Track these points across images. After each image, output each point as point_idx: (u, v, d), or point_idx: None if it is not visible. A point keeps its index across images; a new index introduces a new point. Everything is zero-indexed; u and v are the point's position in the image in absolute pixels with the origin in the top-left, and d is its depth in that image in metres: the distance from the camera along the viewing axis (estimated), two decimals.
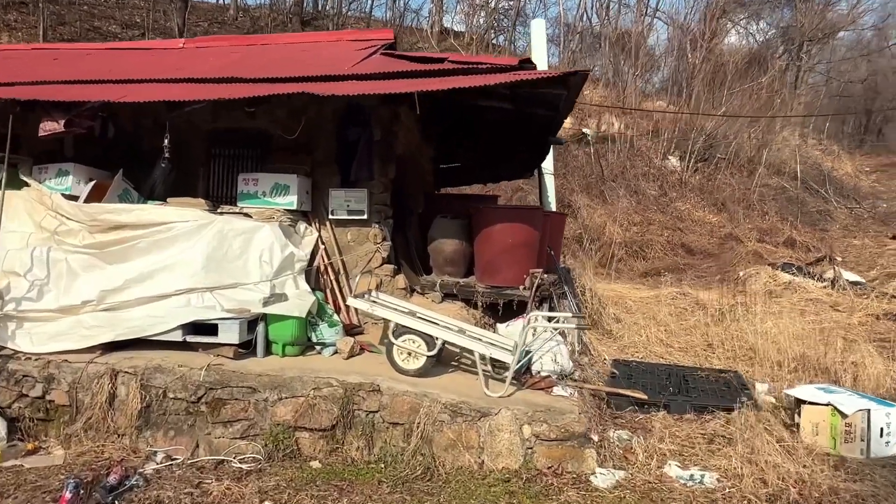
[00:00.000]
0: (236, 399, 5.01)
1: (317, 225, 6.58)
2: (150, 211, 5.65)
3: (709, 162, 19.84)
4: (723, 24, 25.69)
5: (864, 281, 11.79)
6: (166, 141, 5.65)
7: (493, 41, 24.21)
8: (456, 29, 25.43)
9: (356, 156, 6.49)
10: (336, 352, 5.65)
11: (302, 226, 6.39)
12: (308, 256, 6.19)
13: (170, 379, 5.05)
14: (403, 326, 5.32)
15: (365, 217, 6.46)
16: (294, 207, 6.21)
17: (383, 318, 5.61)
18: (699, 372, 6.78)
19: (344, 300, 6.37)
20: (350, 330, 6.18)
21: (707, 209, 17.18)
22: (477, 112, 7.06)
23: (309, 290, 5.93)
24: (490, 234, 6.52)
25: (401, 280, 6.69)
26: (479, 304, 6.65)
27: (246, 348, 5.41)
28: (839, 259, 12.89)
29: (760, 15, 26.03)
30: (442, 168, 10.15)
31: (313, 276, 6.34)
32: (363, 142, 6.49)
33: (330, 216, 6.51)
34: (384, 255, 6.60)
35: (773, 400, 6.21)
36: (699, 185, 18.39)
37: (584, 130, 18.89)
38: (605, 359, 7.29)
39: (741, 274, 12.04)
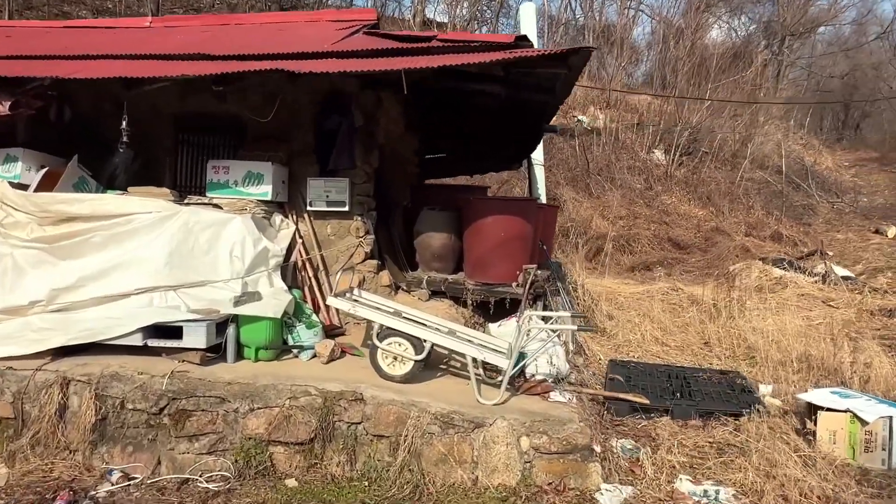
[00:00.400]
0: (203, 410, 4.47)
1: (294, 217, 6.04)
2: (108, 201, 5.07)
3: (693, 156, 19.54)
4: (706, 17, 25.40)
5: (854, 276, 11.52)
6: (124, 123, 5.06)
7: (477, 32, 23.67)
8: (438, 20, 24.86)
9: (336, 143, 5.95)
10: (315, 356, 5.13)
11: (277, 218, 5.84)
12: (284, 251, 5.65)
13: (128, 388, 4.49)
14: (389, 328, 4.81)
15: (346, 209, 5.93)
16: (269, 198, 5.67)
17: (366, 320, 5.09)
18: (701, 373, 6.37)
19: (323, 299, 5.84)
20: (330, 331, 5.66)
21: (693, 203, 16.87)
22: (465, 98, 6.55)
23: (285, 288, 5.40)
24: (481, 228, 6.03)
25: (385, 277, 6.18)
26: (469, 302, 6.17)
27: (215, 352, 4.86)
28: (830, 254, 12.63)
29: (742, 9, 25.81)
30: (426, 159, 9.63)
31: (290, 272, 5.80)
32: (344, 128, 5.95)
33: (308, 208, 5.97)
34: (367, 249, 6.08)
35: (779, 403, 5.82)
36: (684, 179, 18.09)
37: (580, 117, 18.37)
38: (600, 359, 6.85)
39: (732, 268, 11.71)
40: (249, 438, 4.39)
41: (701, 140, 20.41)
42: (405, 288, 6.34)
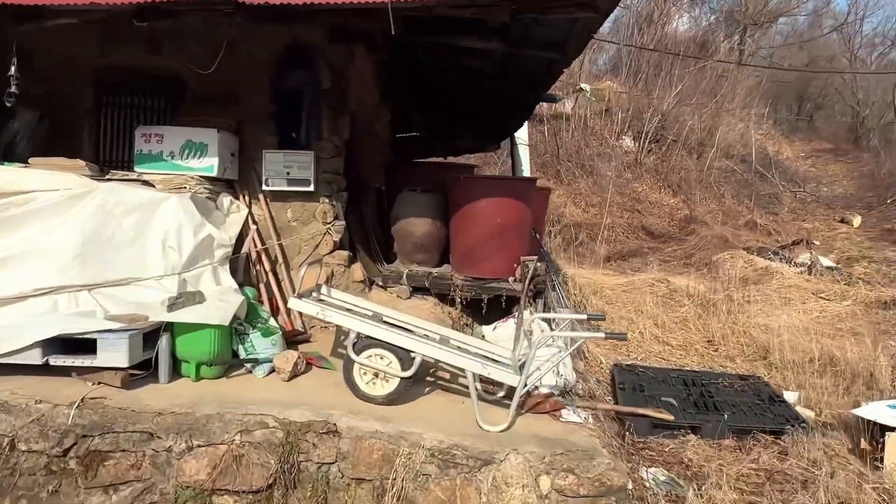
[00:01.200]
0: (124, 451, 3.32)
1: (246, 199, 4.88)
2: None
3: (661, 143, 18.88)
4: (668, 6, 24.77)
5: (837, 266, 10.93)
6: (13, 69, 3.79)
7: None
8: None
9: (299, 109, 4.81)
10: (273, 371, 4.02)
11: (226, 199, 4.67)
12: (234, 240, 4.50)
13: (21, 422, 3.30)
14: (368, 338, 3.74)
15: (311, 188, 4.80)
16: (214, 174, 4.50)
17: (340, 326, 4.00)
18: (719, 379, 5.51)
19: (284, 299, 4.72)
20: (292, 338, 4.54)
21: (664, 191, 16.19)
22: (452, 58, 5.47)
23: (235, 286, 4.25)
24: (473, 213, 4.99)
25: (357, 271, 5.09)
26: (458, 300, 5.12)
27: (144, 370, 3.70)
28: (817, 244, 12.07)
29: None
30: (396, 138, 8.52)
31: (241, 266, 4.66)
32: (308, 91, 4.82)
33: (264, 187, 4.82)
34: (336, 238, 4.97)
35: (813, 415, 4.99)
36: (654, 167, 17.41)
37: (582, 86, 17.20)
38: (601, 362, 5.93)
39: (715, 259, 10.99)
40: (187, 487, 3.27)
41: (668, 128, 19.77)
42: (381, 284, 5.26)
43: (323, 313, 3.82)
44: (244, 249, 4.62)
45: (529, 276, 4.97)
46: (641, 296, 8.59)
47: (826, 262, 10.77)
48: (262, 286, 4.68)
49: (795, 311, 8.21)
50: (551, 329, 4.54)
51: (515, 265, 5.10)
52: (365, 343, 3.74)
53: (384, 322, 4.06)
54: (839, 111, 28.77)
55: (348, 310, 4.11)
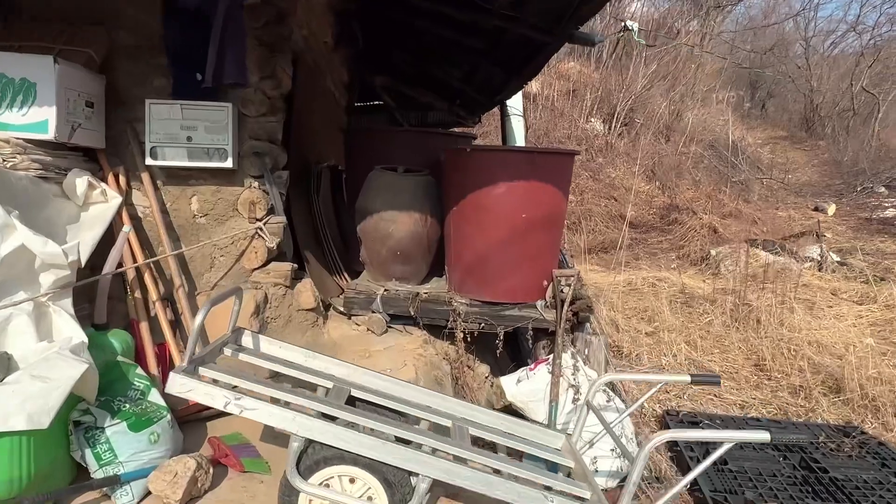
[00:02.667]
0: None
1: (120, 180, 2.88)
2: None
3: (630, 127, 17.45)
4: None
5: (842, 261, 9.62)
6: None
7: None
8: None
9: (211, 37, 2.83)
10: (149, 495, 2.11)
11: (79, 181, 2.65)
12: (88, 251, 2.51)
13: None
14: (328, 449, 1.88)
15: (229, 164, 2.85)
16: (50, 136, 2.49)
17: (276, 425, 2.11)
18: (811, 432, 3.88)
19: (183, 345, 2.78)
20: (194, 414, 2.62)
21: (638, 176, 14.69)
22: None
23: (83, 337, 2.28)
24: (486, 205, 3.16)
25: (305, 293, 3.18)
26: (461, 334, 3.30)
27: None
28: (827, 236, 10.76)
29: None
30: (354, 107, 6.56)
31: (103, 295, 2.68)
32: (222, 8, 2.83)
33: (150, 160, 2.83)
34: (272, 243, 3.03)
35: None
36: (625, 151, 15.92)
37: (628, 23, 14.90)
38: (643, 407, 4.23)
39: (713, 253, 9.51)
40: None
41: (637, 111, 18.38)
42: (342, 310, 3.39)
43: (237, 403, 1.92)
44: (109, 266, 2.64)
45: (568, 299, 3.19)
46: (648, 299, 6.99)
47: (834, 256, 9.44)
48: (142, 328, 2.72)
49: (825, 316, 6.76)
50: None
51: (546, 283, 3.31)
52: (320, 455, 1.89)
53: (353, 402, 2.20)
54: (792, 99, 28.15)
55: (289, 377, 2.23)
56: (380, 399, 2.28)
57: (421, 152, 3.69)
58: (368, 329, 3.33)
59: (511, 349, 3.65)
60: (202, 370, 2.04)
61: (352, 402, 2.25)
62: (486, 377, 3.71)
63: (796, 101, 27.75)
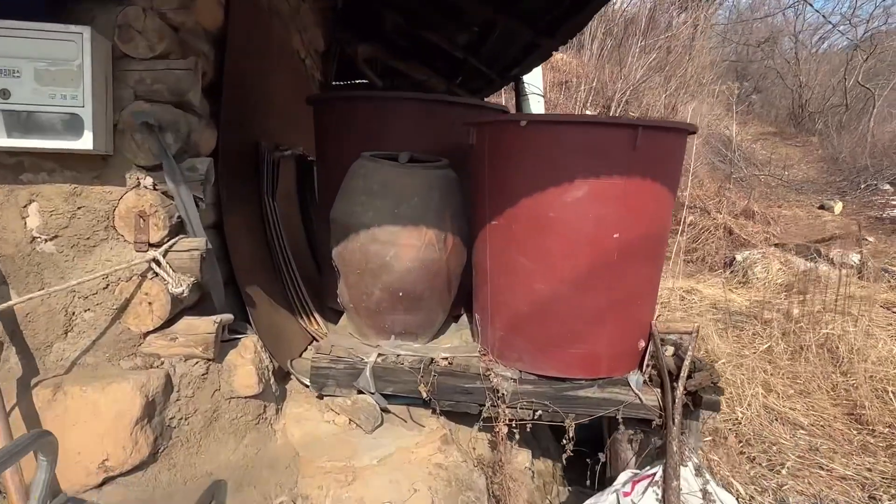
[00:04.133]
0: None
1: None
2: None
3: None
4: None
5: (885, 267, 8.46)
6: None
7: None
8: None
9: None
10: None
11: None
12: None
13: None
14: None
15: (85, 142, 1.47)
16: None
17: None
18: None
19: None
20: None
21: None
22: None
23: None
24: (550, 218, 1.81)
25: (243, 367, 1.80)
26: (504, 427, 1.95)
27: None
28: (870, 240, 9.61)
29: None
30: (332, 86, 5.17)
31: None
32: None
33: None
34: (179, 285, 1.65)
35: None
36: None
37: None
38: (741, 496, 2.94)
39: (739, 258, 8.31)
40: None
41: (631, 104, 17.23)
42: (307, 384, 2.03)
43: None
44: None
45: (684, 372, 1.87)
46: (680, 314, 5.74)
47: (873, 262, 8.29)
48: None
49: (889, 335, 5.57)
50: None
51: (641, 344, 1.98)
52: None
53: None
54: (780, 94, 27.32)
55: None
56: None
57: (430, 132, 2.33)
58: (351, 421, 1.97)
59: (581, 434, 2.31)
60: None
61: None
62: (527, 467, 2.38)
63: (784, 96, 26.94)
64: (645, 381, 1.97)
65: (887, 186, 16.38)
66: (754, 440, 3.69)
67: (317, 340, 2.59)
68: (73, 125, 1.48)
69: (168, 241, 1.68)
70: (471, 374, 2.00)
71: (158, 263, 1.65)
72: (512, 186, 1.87)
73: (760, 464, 3.43)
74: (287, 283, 2.57)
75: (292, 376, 2.22)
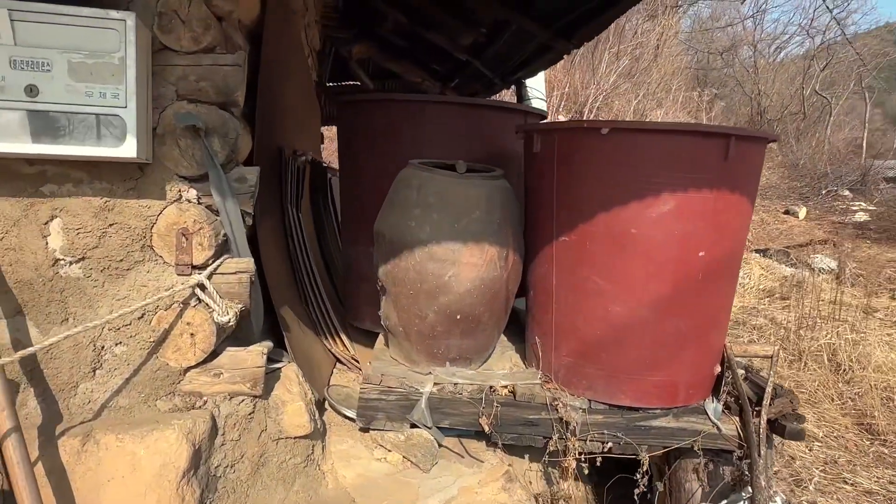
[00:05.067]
0: None
1: None
2: None
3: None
4: None
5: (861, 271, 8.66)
6: None
7: None
8: None
9: None
10: None
11: None
12: None
13: None
14: None
15: (129, 149, 1.25)
16: None
17: None
18: None
19: None
20: None
21: None
22: None
23: None
24: (631, 235, 1.66)
25: (292, 405, 1.60)
26: (572, 462, 1.79)
27: None
28: (848, 246, 9.80)
29: None
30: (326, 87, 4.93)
31: None
32: None
33: None
34: (225, 314, 1.44)
35: None
36: None
37: None
38: None
39: None
40: None
41: (601, 110, 17.46)
42: (350, 416, 1.83)
43: None
44: None
45: (767, 398, 1.75)
46: None
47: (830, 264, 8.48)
48: None
49: (880, 340, 5.66)
50: None
51: (718, 369, 1.86)
52: None
53: None
54: (739, 101, 28.10)
55: None
56: None
57: (472, 138, 2.16)
58: (405, 458, 1.78)
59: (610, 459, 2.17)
60: None
61: None
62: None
63: (743, 103, 27.72)
64: (724, 406, 1.84)
65: (847, 192, 16.93)
66: (775, 453, 3.62)
67: (341, 363, 2.38)
68: (113, 129, 1.25)
69: (213, 262, 1.46)
70: (536, 404, 1.83)
71: (203, 288, 1.43)
72: (587, 200, 1.71)
73: (785, 479, 3.36)
74: (311, 300, 2.36)
75: (328, 406, 2.01)
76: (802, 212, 15.29)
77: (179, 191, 1.43)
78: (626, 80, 18.26)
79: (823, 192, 17.06)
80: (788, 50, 28.29)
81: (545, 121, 2.64)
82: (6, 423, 1.18)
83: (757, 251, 8.87)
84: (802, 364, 4.95)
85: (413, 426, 1.82)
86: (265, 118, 1.93)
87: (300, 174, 2.35)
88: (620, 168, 1.66)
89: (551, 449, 1.82)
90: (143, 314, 1.42)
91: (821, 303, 6.56)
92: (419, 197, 1.83)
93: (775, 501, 1.69)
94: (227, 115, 1.47)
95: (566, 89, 16.18)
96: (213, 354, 1.50)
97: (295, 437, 1.62)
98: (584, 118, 15.75)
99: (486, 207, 1.82)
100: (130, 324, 1.42)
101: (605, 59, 17.19)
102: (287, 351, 1.86)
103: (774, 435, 1.84)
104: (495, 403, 1.82)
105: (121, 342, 1.42)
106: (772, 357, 1.87)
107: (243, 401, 1.52)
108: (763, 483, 1.69)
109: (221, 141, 1.45)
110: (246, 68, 1.53)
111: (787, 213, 15.52)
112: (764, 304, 7.17)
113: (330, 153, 6.82)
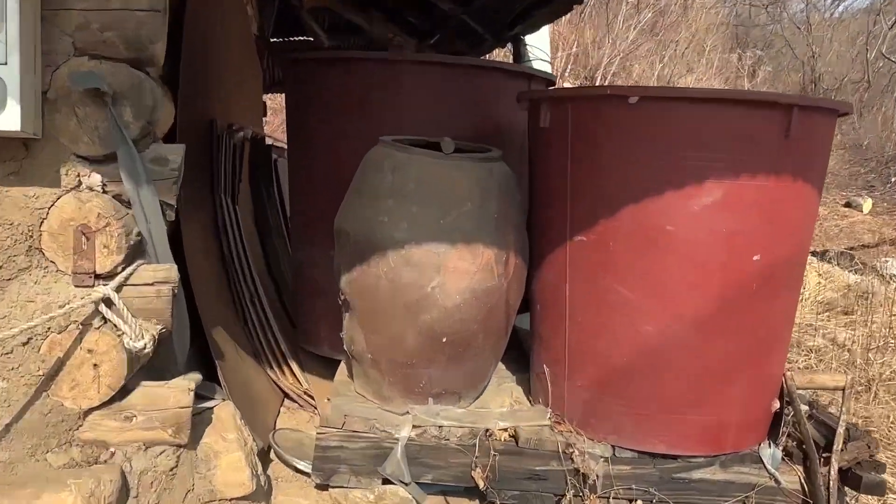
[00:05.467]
0: None
1: None
2: None
3: None
4: None
5: None
6: None
7: None
8: None
9: None
10: None
11: None
12: None
13: None
14: None
15: (12, 120, 1.19)
16: None
17: None
18: None
19: None
20: None
21: None
22: None
23: None
24: (666, 233, 1.65)
25: (225, 456, 1.56)
26: None
27: None
28: None
29: None
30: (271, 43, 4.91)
31: None
32: None
33: None
34: (138, 339, 1.39)
35: None
36: None
37: None
38: None
39: None
40: None
41: (617, 74, 17.70)
42: (303, 469, 1.79)
43: None
44: None
45: (838, 444, 1.76)
46: None
47: None
48: None
49: None
50: None
51: (776, 405, 1.86)
52: None
53: None
54: (789, 66, 28.54)
55: None
56: None
57: (459, 109, 2.12)
58: None
59: None
60: None
61: None
62: None
63: (793, 68, 28.16)
64: (785, 452, 1.84)
65: None
66: None
67: (291, 399, 2.34)
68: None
69: (123, 269, 1.42)
70: (544, 452, 1.81)
71: (110, 304, 1.39)
72: (610, 188, 1.70)
73: None
74: (252, 319, 2.31)
75: (274, 456, 1.98)
76: (867, 204, 15.60)
77: (78, 175, 1.39)
78: (648, 39, 18.45)
79: (893, 179, 17.43)
80: (849, 3, 28.89)
81: (554, 87, 2.63)
82: None
83: (812, 254, 9.00)
84: (872, 395, 5.03)
85: (386, 482, 1.80)
86: (192, 82, 1.88)
87: (237, 155, 2.30)
88: (652, 147, 1.64)
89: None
90: (30, 339, 1.37)
91: (893, 318, 6.67)
92: (394, 184, 1.79)
93: None
94: (141, 75, 1.43)
95: (574, 49, 16.30)
96: (124, 391, 1.45)
97: (231, 499, 1.58)
98: (595, 83, 15.91)
99: (479, 197, 1.79)
100: (12, 351, 1.37)
101: (623, 12, 17.34)
102: (221, 385, 1.82)
103: (847, 488, 1.85)
104: (492, 451, 1.81)
105: (2, 378, 1.37)
106: (843, 389, 1.87)
107: (163, 452, 1.48)
108: None
109: (134, 110, 1.41)
110: (167, 16, 1.48)
111: (847, 205, 15.84)
112: (822, 320, 7.26)
113: (275, 127, 6.74)
